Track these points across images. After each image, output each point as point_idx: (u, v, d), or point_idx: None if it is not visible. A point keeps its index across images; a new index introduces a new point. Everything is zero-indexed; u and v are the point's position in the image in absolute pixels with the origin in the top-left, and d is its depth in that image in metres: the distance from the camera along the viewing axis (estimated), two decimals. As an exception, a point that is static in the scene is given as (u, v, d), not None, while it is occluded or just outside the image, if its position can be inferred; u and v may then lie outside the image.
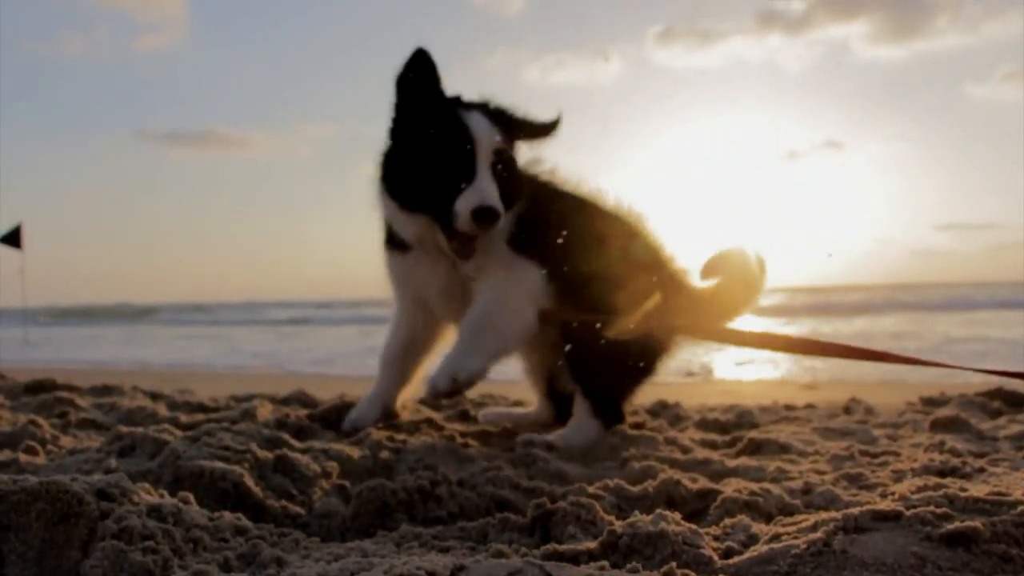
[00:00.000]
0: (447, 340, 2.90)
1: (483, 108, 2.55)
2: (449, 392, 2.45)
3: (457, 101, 2.55)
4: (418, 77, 2.50)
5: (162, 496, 1.69)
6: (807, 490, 2.01)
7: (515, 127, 2.60)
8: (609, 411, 2.75)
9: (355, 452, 2.36)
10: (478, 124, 2.45)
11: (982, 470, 2.11)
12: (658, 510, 1.55)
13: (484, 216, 2.36)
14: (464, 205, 2.37)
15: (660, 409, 3.54)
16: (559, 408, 3.00)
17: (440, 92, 2.53)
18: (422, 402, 3.80)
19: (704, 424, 3.24)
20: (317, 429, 2.84)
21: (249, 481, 1.96)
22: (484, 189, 2.38)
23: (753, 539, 1.54)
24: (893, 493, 1.69)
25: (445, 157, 2.42)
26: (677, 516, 1.53)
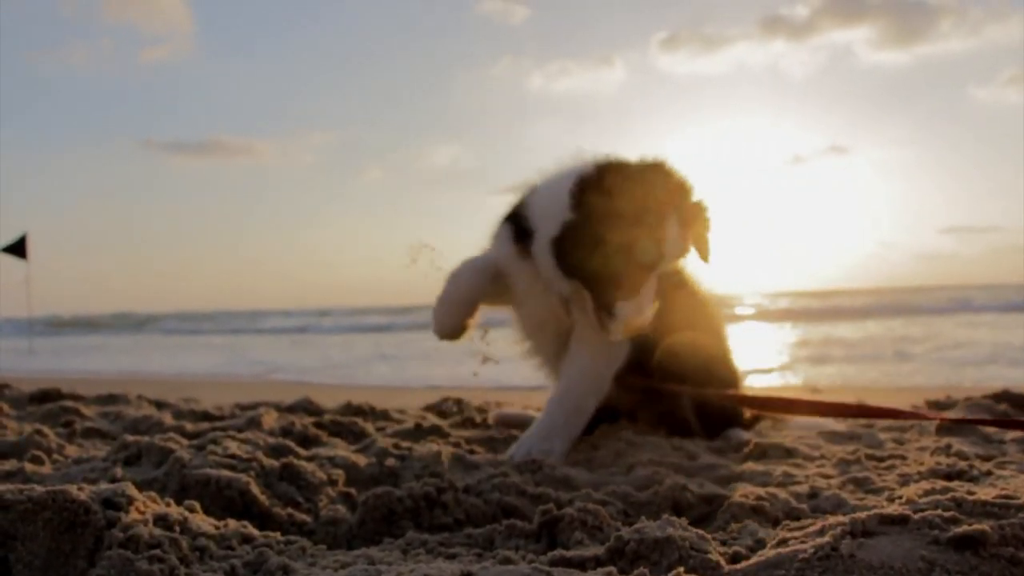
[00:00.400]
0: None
1: (683, 193, 2.61)
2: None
3: (664, 186, 2.58)
4: (645, 183, 2.54)
5: (168, 505, 1.69)
6: (814, 494, 2.00)
7: (697, 226, 2.67)
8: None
9: (361, 459, 2.36)
10: (671, 233, 2.53)
11: (989, 473, 2.11)
12: (664, 515, 1.54)
13: (629, 328, 2.53)
14: (622, 312, 2.50)
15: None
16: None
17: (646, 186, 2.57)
18: (427, 408, 3.80)
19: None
20: (323, 437, 2.84)
21: (255, 489, 1.96)
22: (643, 308, 2.52)
23: (760, 544, 1.53)
24: (900, 497, 1.68)
25: (627, 260, 2.51)
26: (684, 521, 1.52)
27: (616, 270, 2.51)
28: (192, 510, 1.72)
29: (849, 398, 4.40)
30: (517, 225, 2.75)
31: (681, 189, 2.59)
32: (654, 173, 2.57)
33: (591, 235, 2.52)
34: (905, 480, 2.12)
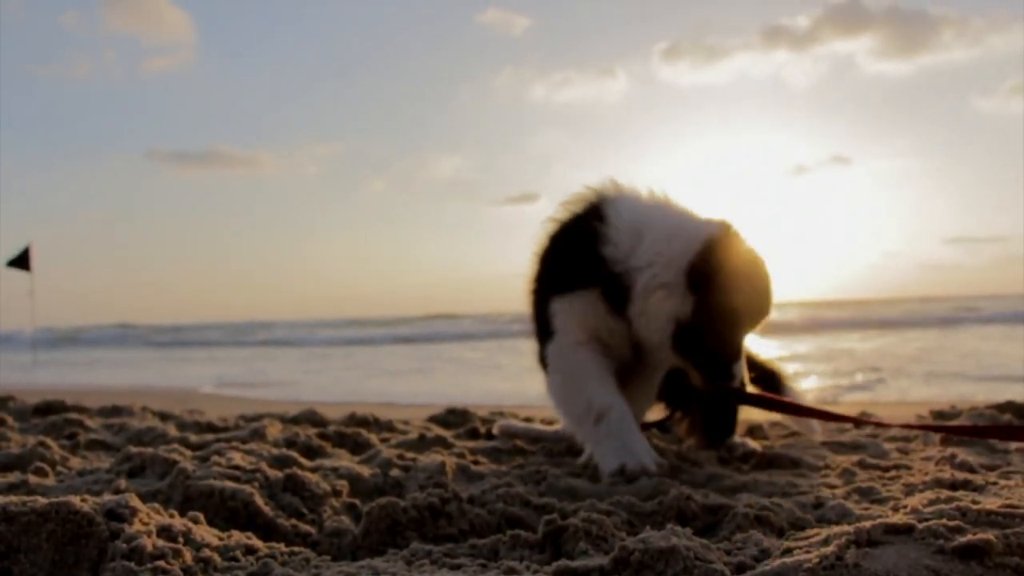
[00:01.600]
0: None
1: None
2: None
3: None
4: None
5: (172, 516, 1.69)
6: (818, 504, 2.00)
7: None
8: None
9: (365, 470, 2.36)
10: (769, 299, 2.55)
11: (994, 483, 2.10)
12: (669, 525, 1.54)
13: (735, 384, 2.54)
14: (738, 372, 2.51)
15: (670, 425, 3.52)
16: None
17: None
18: (431, 419, 3.80)
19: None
20: (327, 448, 2.84)
21: (259, 500, 1.96)
22: (743, 363, 2.54)
23: (765, 553, 1.53)
24: (905, 506, 1.68)
25: (742, 338, 2.54)
26: (688, 531, 1.52)
27: (736, 348, 2.51)
28: (196, 521, 1.71)
29: (854, 408, 4.39)
30: (606, 280, 2.52)
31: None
32: (742, 243, 2.50)
33: (715, 326, 2.44)
34: (910, 490, 2.11)
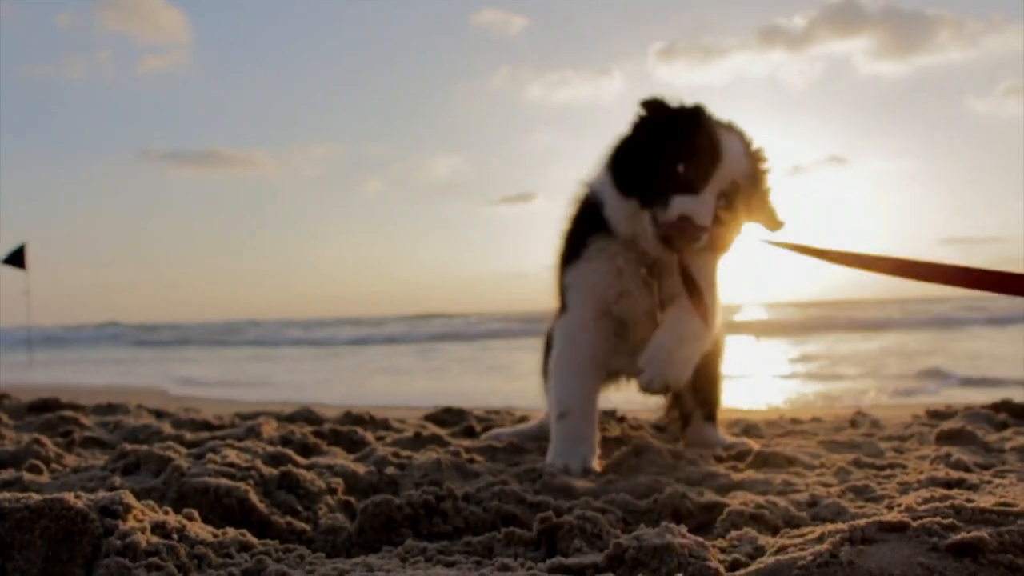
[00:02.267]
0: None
1: (743, 141, 2.56)
2: (661, 392, 2.57)
3: (721, 122, 2.56)
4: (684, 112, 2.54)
5: (166, 513, 1.69)
6: (813, 503, 2.00)
7: (758, 181, 2.60)
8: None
9: (360, 468, 2.36)
10: (732, 148, 2.48)
11: (988, 482, 2.10)
12: (664, 523, 1.54)
13: (686, 226, 2.39)
14: (677, 207, 2.38)
15: (665, 424, 3.53)
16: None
17: (705, 111, 2.56)
18: (427, 418, 3.80)
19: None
20: (322, 446, 2.83)
21: (254, 497, 1.96)
22: (702, 204, 2.40)
23: (759, 551, 1.53)
24: (899, 505, 1.68)
25: (686, 159, 2.43)
26: (683, 529, 1.52)
27: (672, 169, 2.43)
28: (190, 518, 1.71)
29: (849, 408, 4.40)
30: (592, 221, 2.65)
31: (743, 135, 2.56)
32: (731, 125, 2.56)
33: (645, 143, 2.50)
34: (905, 488, 2.11)
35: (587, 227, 2.69)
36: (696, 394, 3.09)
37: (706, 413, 3.13)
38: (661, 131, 2.49)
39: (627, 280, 2.64)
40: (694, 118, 2.50)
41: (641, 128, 2.56)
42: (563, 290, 2.74)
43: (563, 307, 2.75)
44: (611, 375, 3.02)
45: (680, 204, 2.38)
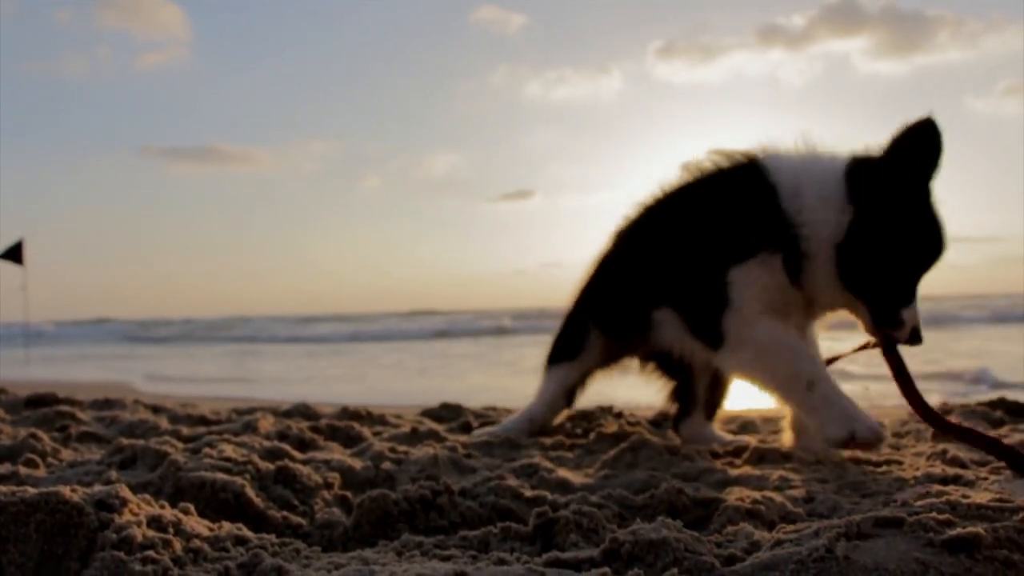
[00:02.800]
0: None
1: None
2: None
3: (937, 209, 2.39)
4: (921, 160, 2.34)
5: (162, 507, 1.69)
6: (810, 498, 2.00)
7: None
8: None
9: (357, 463, 2.36)
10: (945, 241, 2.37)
11: (984, 478, 2.10)
12: (660, 518, 1.54)
13: (916, 339, 2.36)
14: (910, 318, 2.33)
15: (662, 420, 3.53)
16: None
17: (930, 188, 2.36)
18: (424, 414, 3.80)
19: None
20: (319, 441, 2.83)
21: (250, 492, 1.96)
22: (918, 313, 2.34)
23: (755, 546, 1.53)
24: (895, 501, 1.68)
25: (918, 262, 2.34)
26: (679, 524, 1.52)
27: (903, 284, 2.32)
28: (187, 512, 1.71)
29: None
30: (786, 245, 2.41)
31: None
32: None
33: (880, 235, 2.28)
34: (901, 484, 2.12)
35: (756, 219, 2.46)
36: (705, 393, 3.10)
37: (708, 412, 3.14)
38: (898, 221, 2.28)
39: (786, 292, 2.50)
40: (923, 202, 2.29)
41: (867, 214, 2.29)
42: (717, 280, 2.50)
43: (720, 296, 2.50)
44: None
45: (912, 317, 2.33)
